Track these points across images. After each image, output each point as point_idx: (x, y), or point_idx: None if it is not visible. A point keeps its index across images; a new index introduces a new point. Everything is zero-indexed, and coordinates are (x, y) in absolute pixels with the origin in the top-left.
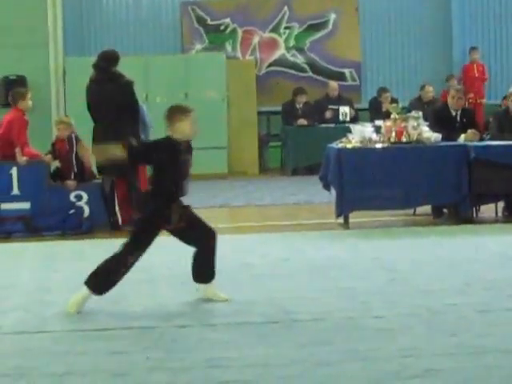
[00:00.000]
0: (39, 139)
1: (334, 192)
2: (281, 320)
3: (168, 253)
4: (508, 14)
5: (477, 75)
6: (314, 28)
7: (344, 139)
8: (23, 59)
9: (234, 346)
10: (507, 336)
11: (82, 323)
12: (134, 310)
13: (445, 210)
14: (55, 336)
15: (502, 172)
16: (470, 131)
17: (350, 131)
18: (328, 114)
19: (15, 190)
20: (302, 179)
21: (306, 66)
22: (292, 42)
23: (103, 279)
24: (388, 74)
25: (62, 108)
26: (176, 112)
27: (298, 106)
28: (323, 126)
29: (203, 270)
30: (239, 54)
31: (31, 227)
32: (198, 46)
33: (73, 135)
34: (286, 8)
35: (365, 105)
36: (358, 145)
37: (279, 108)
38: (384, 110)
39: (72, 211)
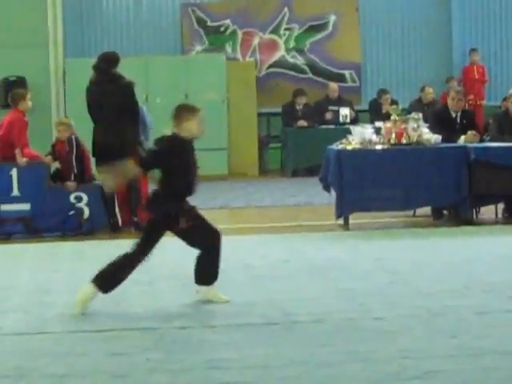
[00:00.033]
0: (39, 140)
1: (333, 193)
2: (281, 321)
3: (168, 254)
4: (508, 16)
5: (477, 77)
6: (314, 29)
7: (344, 140)
8: (23, 60)
9: (234, 347)
10: (506, 338)
11: (83, 324)
12: (135, 312)
13: (445, 212)
14: (55, 337)
15: (502, 173)
16: (469, 133)
17: (349, 133)
18: (328, 116)
19: (15, 191)
20: (302, 180)
21: (306, 68)
22: (292, 44)
23: (111, 277)
24: (388, 76)
25: (61, 109)
26: (184, 111)
27: (298, 107)
28: (323, 127)
29: (206, 271)
30: (239, 56)
31: (31, 228)
32: (198, 48)
33: (73, 136)
34: (286, 9)
35: (365, 106)
36: (358, 146)
37: (279, 109)
38: (384, 111)
39: (72, 212)
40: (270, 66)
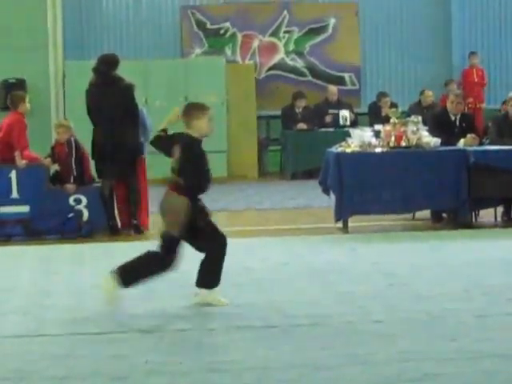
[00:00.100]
0: (39, 143)
1: (333, 196)
2: (280, 324)
3: None
4: (507, 19)
5: (476, 80)
6: (314, 32)
7: (343, 143)
8: (23, 62)
9: (233, 349)
10: (505, 341)
11: (82, 326)
12: (134, 314)
13: (444, 215)
14: (55, 339)
15: (502, 177)
16: (469, 136)
17: (349, 135)
18: (328, 119)
19: (14, 194)
20: (302, 183)
21: (305, 70)
22: (291, 46)
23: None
24: (387, 79)
25: (61, 111)
26: (193, 110)
27: (297, 110)
28: (323, 130)
29: (208, 275)
30: (239, 58)
31: (30, 230)
32: (198, 50)
33: (72, 139)
34: (285, 12)
35: (364, 109)
36: (358, 149)
37: (279, 112)
38: (383, 114)
39: (71, 215)
40: (270, 69)
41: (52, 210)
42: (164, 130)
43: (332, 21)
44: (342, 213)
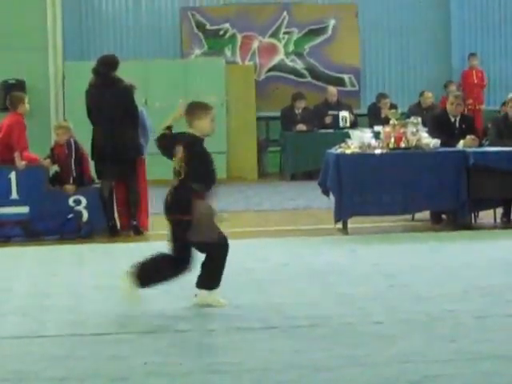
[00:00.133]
0: (38, 144)
1: (332, 197)
2: (280, 325)
3: None
4: (507, 21)
5: (476, 81)
6: (314, 33)
7: (343, 145)
8: (22, 63)
9: (233, 350)
10: (505, 342)
11: (81, 328)
12: (133, 315)
13: (443, 216)
14: (54, 340)
15: (501, 178)
16: (468, 137)
17: (349, 137)
18: (328, 120)
19: (14, 195)
20: (301, 184)
21: (305, 72)
22: (291, 48)
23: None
24: (387, 80)
25: (60, 112)
26: (196, 109)
27: (297, 111)
28: (322, 131)
29: (209, 276)
30: (238, 59)
31: (30, 231)
32: (198, 51)
33: (72, 140)
34: (285, 13)
35: (364, 110)
36: (357, 150)
37: (278, 113)
38: (383, 115)
39: (71, 215)
40: (269, 70)
41: (51, 211)
42: (169, 128)
43: (332, 22)
44: (342, 214)
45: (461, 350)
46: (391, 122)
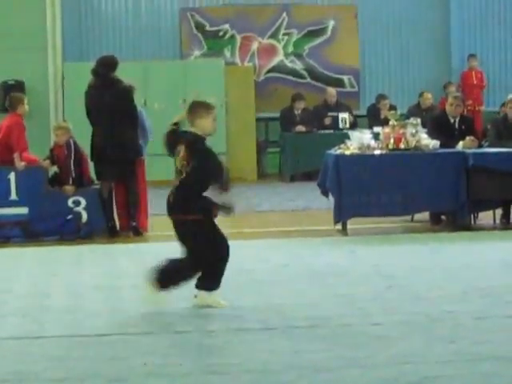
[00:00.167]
0: (37, 145)
1: (332, 198)
2: (279, 326)
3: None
4: (507, 22)
5: (475, 82)
6: (313, 34)
7: (342, 146)
8: (22, 64)
9: (232, 351)
10: (504, 343)
11: (80, 328)
12: (133, 315)
13: (443, 217)
14: (54, 341)
15: (500, 179)
16: (468, 138)
17: (348, 138)
18: (327, 121)
19: (13, 195)
20: (301, 185)
21: (304, 73)
22: (291, 49)
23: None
24: (387, 81)
25: (60, 113)
26: (198, 108)
27: (296, 112)
28: (321, 132)
29: (209, 277)
30: (238, 60)
31: (29, 232)
32: (197, 52)
33: (71, 141)
34: (284, 14)
35: (363, 111)
36: (357, 151)
37: (278, 114)
38: (382, 116)
39: (70, 216)
40: (269, 71)
41: (51, 212)
42: (176, 124)
43: (331, 23)
44: (341, 215)
45: (460, 351)
46: (390, 122)
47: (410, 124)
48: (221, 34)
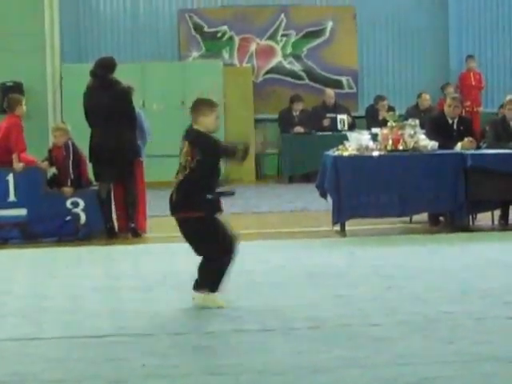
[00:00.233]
0: (36, 146)
1: (330, 200)
2: (278, 327)
3: (164, 260)
4: (505, 23)
5: (473, 83)
6: (311, 35)
7: (341, 147)
8: (20, 65)
9: (231, 352)
10: (503, 344)
11: (79, 330)
12: (131, 317)
13: (441, 218)
14: (52, 342)
15: (499, 180)
16: (466, 139)
17: (346, 139)
18: (325, 122)
19: (12, 197)
20: (299, 187)
21: (302, 74)
22: (289, 50)
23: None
24: (385, 82)
25: (58, 114)
26: (201, 106)
27: (294, 113)
28: (320, 133)
29: (207, 278)
30: (236, 62)
31: (27, 234)
32: (195, 54)
33: (69, 142)
34: (282, 15)
35: (361, 113)
36: (355, 152)
37: (276, 115)
38: (381, 117)
39: (68, 218)
40: (267, 72)
41: (49, 213)
42: None
43: (329, 24)
44: (340, 216)
45: (459, 352)
46: (389, 124)
47: (408, 125)
48: (219, 35)
